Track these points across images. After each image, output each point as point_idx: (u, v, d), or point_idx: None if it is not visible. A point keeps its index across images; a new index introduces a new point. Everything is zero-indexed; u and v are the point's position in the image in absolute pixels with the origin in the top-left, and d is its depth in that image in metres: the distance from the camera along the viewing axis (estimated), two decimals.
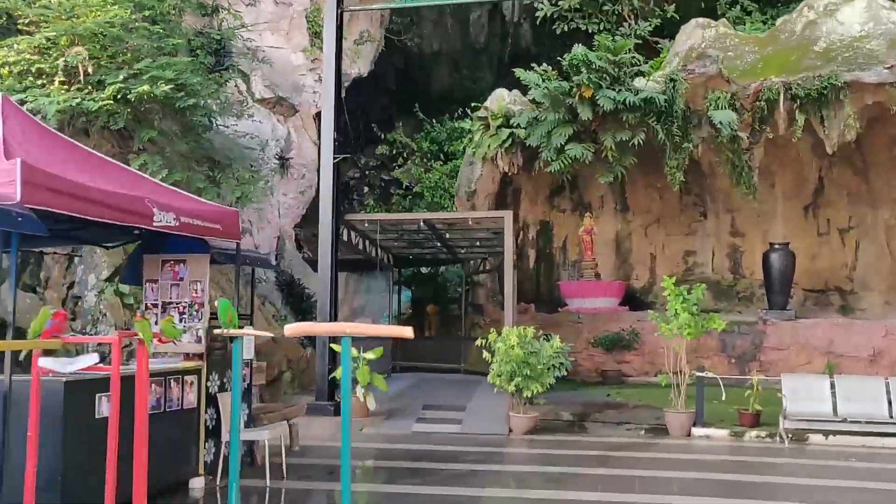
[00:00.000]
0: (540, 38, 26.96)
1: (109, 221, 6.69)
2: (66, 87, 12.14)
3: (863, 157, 19.58)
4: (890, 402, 11.66)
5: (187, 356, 8.64)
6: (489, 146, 19.10)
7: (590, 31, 21.98)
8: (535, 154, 18.71)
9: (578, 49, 17.26)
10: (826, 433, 11.72)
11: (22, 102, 10.92)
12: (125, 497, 6.08)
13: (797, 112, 16.90)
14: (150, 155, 13.07)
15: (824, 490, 8.62)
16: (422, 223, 15.03)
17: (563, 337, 17.10)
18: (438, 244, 18.81)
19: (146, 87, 11.90)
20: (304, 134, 20.61)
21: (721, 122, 16.83)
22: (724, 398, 12.49)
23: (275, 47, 20.36)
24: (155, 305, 8.77)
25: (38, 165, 6.15)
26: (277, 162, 19.55)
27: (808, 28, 17.48)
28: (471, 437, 12.13)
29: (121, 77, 12.06)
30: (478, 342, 12.93)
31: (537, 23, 24.10)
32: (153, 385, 7.63)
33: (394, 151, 27.31)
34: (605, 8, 22.71)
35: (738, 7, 21.83)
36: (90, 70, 12.31)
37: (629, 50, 17.69)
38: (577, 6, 22.71)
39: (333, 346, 13.18)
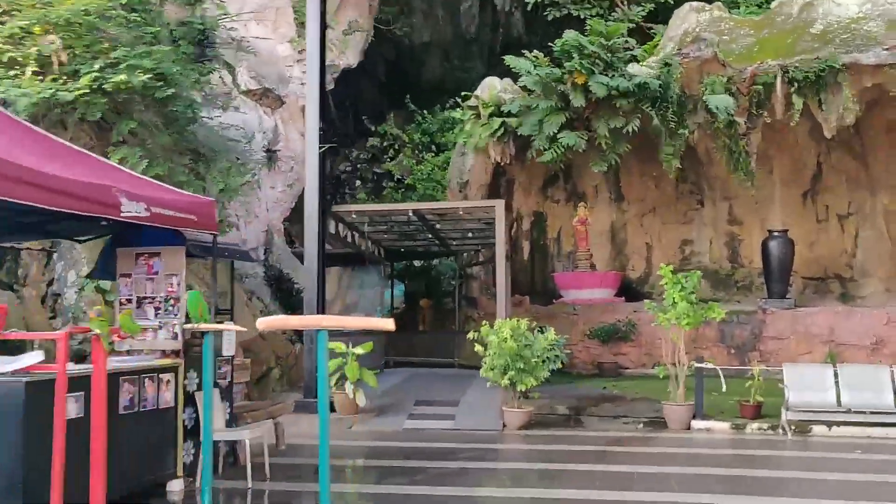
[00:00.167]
0: (532, 27, 26.57)
1: (70, 211, 6.29)
2: (39, 77, 11.71)
3: (861, 142, 19.24)
4: (895, 392, 11.31)
5: (164, 353, 8.25)
6: (480, 136, 18.70)
7: (582, 18, 21.60)
8: (527, 143, 18.32)
9: (570, 34, 16.88)
10: (829, 424, 11.37)
11: None
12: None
13: (794, 96, 16.56)
14: (131, 147, 12.65)
15: (830, 485, 8.28)
16: (411, 213, 14.62)
17: (559, 329, 16.74)
18: (430, 236, 18.43)
19: (123, 77, 11.48)
20: (291, 126, 20.20)
21: (717, 107, 16.46)
22: (724, 390, 12.14)
23: (261, 38, 19.93)
24: (129, 301, 8.38)
25: None
26: (264, 154, 19.14)
27: (804, 10, 17.13)
28: (464, 433, 11.77)
29: (97, 67, 11.63)
30: (470, 335, 12.55)
31: (528, 10, 23.73)
32: (126, 384, 7.25)
33: (385, 144, 26.92)
34: None
35: None
36: (64, 59, 11.88)
37: (622, 34, 17.35)
38: None
39: None
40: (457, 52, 30.08)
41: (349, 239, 15.75)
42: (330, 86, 22.76)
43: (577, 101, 16.81)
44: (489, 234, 16.34)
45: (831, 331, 17.29)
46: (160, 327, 8.26)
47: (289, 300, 18.01)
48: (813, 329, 17.45)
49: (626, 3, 21.98)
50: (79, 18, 11.95)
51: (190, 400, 8.27)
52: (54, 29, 11.99)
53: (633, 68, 17.19)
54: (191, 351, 8.57)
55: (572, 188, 22.29)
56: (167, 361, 7.98)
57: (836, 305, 18.62)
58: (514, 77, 18.51)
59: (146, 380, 7.56)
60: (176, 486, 7.90)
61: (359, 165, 28.75)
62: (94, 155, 7.97)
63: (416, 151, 26.09)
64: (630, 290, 20.61)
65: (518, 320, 12.24)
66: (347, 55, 22.75)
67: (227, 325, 6.96)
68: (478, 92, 19.45)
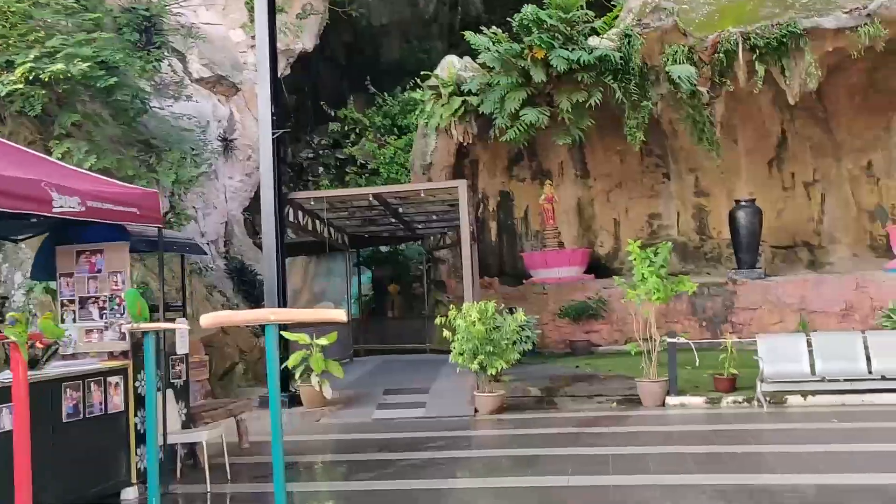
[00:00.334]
0: (491, 4, 26.16)
1: None
2: None
3: (825, 108, 19.13)
4: (868, 358, 11.18)
5: (112, 355, 7.81)
6: (441, 116, 18.33)
7: None
8: (490, 122, 18.00)
9: (529, 8, 16.51)
10: (805, 394, 11.22)
11: None
12: None
13: (757, 63, 16.38)
14: (76, 141, 12.10)
15: (808, 457, 8.08)
16: (371, 198, 14.21)
17: (529, 309, 16.53)
18: (393, 220, 18.02)
19: (60, 66, 10.94)
20: (247, 113, 19.60)
21: (680, 77, 16.23)
22: (697, 364, 11.97)
23: (211, 24, 19.31)
24: (72, 301, 7.91)
25: None
26: (220, 144, 18.58)
27: None
28: (435, 420, 11.45)
29: (31, 56, 11.06)
30: (437, 320, 12.22)
31: None
32: (68, 390, 6.82)
33: (346, 129, 26.39)
34: None
35: None
36: None
37: (581, 7, 17.00)
38: None
39: (284, 333, 12.36)
40: (415, 33, 29.58)
41: (310, 227, 15.30)
42: (286, 71, 22.25)
43: (538, 76, 16.49)
44: (454, 217, 15.99)
45: (802, 299, 17.23)
46: (106, 328, 7.81)
47: (252, 292, 17.55)
48: (784, 298, 17.37)
49: None
50: (11, 6, 11.36)
51: (142, 403, 7.83)
52: None
53: (593, 41, 16.90)
54: (141, 351, 8.15)
55: (537, 166, 21.98)
56: (115, 363, 7.54)
57: (806, 273, 18.57)
58: (475, 55, 18.14)
59: (92, 384, 7.12)
60: (130, 494, 7.50)
61: (321, 152, 28.22)
62: (22, 147, 7.49)
63: (379, 135, 25.60)
64: (599, 267, 20.41)
65: (486, 303, 11.91)
66: (303, 39, 22.16)
67: (170, 324, 6.56)
68: (437, 71, 19.05)
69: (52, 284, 11.28)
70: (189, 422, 8.73)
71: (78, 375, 6.98)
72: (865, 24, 15.39)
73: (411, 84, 23.89)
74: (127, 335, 7.69)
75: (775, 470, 7.57)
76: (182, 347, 8.53)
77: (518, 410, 11.90)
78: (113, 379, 7.41)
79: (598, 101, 16.52)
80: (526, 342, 14.20)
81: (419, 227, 19.57)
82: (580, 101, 16.63)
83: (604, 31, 17.21)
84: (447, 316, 11.99)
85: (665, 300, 12.11)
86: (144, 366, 7.93)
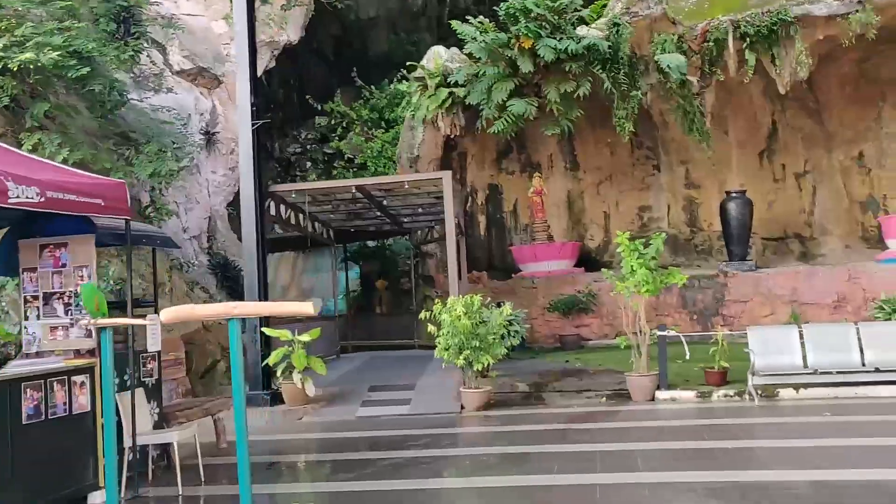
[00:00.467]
0: None
1: None
2: None
3: (816, 99, 18.90)
4: (861, 350, 10.94)
5: (78, 353, 7.50)
6: (428, 108, 18.00)
7: None
8: (477, 114, 17.68)
9: None
10: (797, 387, 10.97)
11: None
12: None
13: (747, 51, 16.12)
14: (48, 133, 11.75)
15: (802, 452, 7.82)
16: (354, 190, 13.88)
17: (519, 303, 16.29)
18: (379, 214, 17.70)
19: (29, 56, 10.59)
20: (230, 106, 19.20)
21: (669, 66, 15.94)
22: (687, 357, 11.68)
23: (193, 15, 18.95)
24: (35, 297, 7.60)
25: None
26: (203, 137, 18.23)
27: None
28: (420, 418, 11.17)
29: (0, 45, 10.70)
30: (422, 315, 11.94)
31: None
32: (28, 390, 6.51)
33: (333, 122, 26.05)
34: None
35: None
36: None
37: None
38: None
39: (265, 329, 12.08)
40: (404, 26, 29.24)
41: (293, 221, 14.97)
42: (271, 63, 21.91)
43: (525, 66, 16.18)
44: (441, 210, 15.70)
45: (794, 291, 17.01)
46: (72, 325, 7.50)
47: (236, 287, 17.19)
48: (775, 290, 17.15)
49: None
50: None
51: None
52: None
53: (581, 30, 16.59)
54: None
55: (526, 159, 21.69)
56: (80, 362, 7.23)
57: (797, 265, 18.34)
58: (463, 47, 17.81)
59: (55, 384, 6.81)
60: (98, 498, 7.19)
61: (308, 147, 27.91)
62: None
63: (366, 129, 25.26)
64: (589, 261, 20.13)
65: (471, 297, 11.63)
66: (288, 31, 21.80)
67: (132, 319, 6.25)
68: (423, 62, 18.74)
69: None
70: (162, 421, 8.43)
71: (39, 375, 6.68)
72: (857, 10, 15.13)
73: (399, 77, 23.58)
74: (93, 332, 7.37)
75: (768, 466, 7.32)
76: (154, 345, 8.24)
77: (505, 406, 11.64)
78: (78, 378, 7.10)
79: (586, 92, 16.21)
80: (514, 337, 13.95)
81: (406, 220, 19.28)
82: (568, 91, 16.32)
83: (592, 20, 16.91)
84: (432, 310, 11.73)
85: (655, 292, 11.86)
86: (116, 364, 7.66)
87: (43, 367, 6.86)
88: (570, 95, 16.41)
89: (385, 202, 16.14)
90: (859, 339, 11.03)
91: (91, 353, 7.49)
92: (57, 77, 12.09)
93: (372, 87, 25.69)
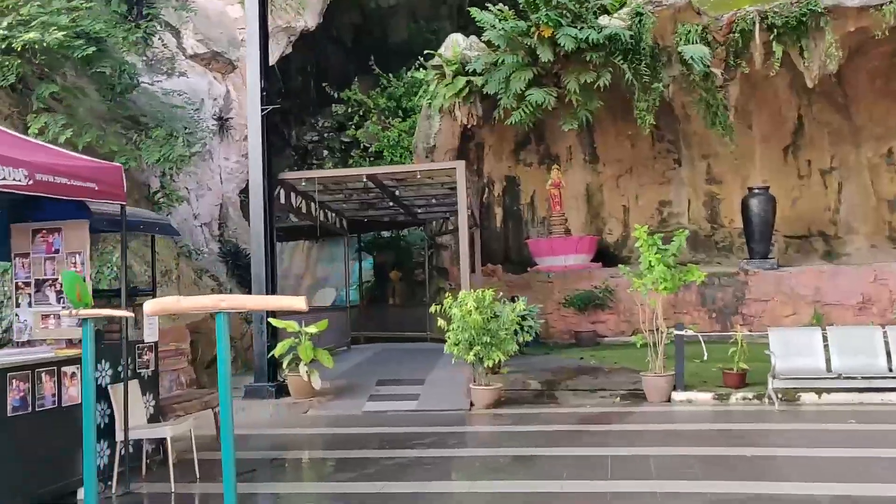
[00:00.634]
0: None
1: None
2: None
3: (844, 93, 18.34)
4: (888, 354, 10.49)
5: (71, 342, 7.24)
6: (444, 96, 17.63)
7: None
8: (495, 104, 17.29)
9: None
10: (819, 391, 10.55)
11: None
12: None
13: (774, 43, 15.64)
14: (53, 115, 11.52)
15: (826, 462, 7.42)
16: (365, 178, 13.55)
17: (534, 298, 15.93)
18: (392, 204, 17.37)
19: (34, 35, 10.33)
20: (244, 92, 18.82)
21: (693, 58, 15.49)
22: (705, 357, 11.27)
23: None
24: (27, 284, 7.34)
25: None
26: (215, 123, 17.99)
27: None
28: (427, 414, 10.86)
29: (5, 24, 10.46)
30: (432, 309, 11.60)
31: None
32: (14, 381, 6.25)
33: (349, 110, 25.73)
34: None
35: None
36: None
37: None
38: None
39: (272, 320, 11.83)
40: (424, 13, 28.85)
41: (304, 209, 14.67)
42: (287, 50, 21.65)
43: (545, 55, 15.78)
44: (456, 201, 15.36)
45: (817, 290, 16.53)
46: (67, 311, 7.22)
47: (246, 276, 16.90)
48: (798, 289, 16.68)
49: None
50: None
51: (103, 394, 7.27)
52: None
53: (603, 20, 16.16)
54: (103, 339, 7.59)
55: (545, 150, 21.28)
56: (71, 352, 6.95)
57: (821, 264, 17.83)
58: (482, 33, 17.41)
59: (43, 374, 6.55)
60: None
61: (325, 135, 27.65)
62: None
63: (383, 117, 24.92)
64: (607, 255, 19.73)
65: (483, 291, 11.28)
66: (305, 17, 21.54)
67: (116, 311, 5.97)
68: (441, 50, 18.36)
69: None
70: (158, 414, 8.16)
71: (26, 365, 6.41)
72: (891, 1, 14.59)
73: (417, 65, 23.23)
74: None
75: (788, 477, 6.93)
76: (151, 335, 7.97)
77: (516, 404, 11.30)
78: (68, 369, 6.83)
79: (607, 83, 15.79)
80: (528, 332, 13.58)
81: (420, 211, 18.94)
82: (588, 81, 15.90)
83: (614, 9, 16.45)
84: (442, 304, 11.40)
85: (673, 290, 11.46)
86: (109, 354, 7.40)
87: (30, 356, 6.59)
88: (590, 86, 15.99)
89: (398, 192, 15.80)
90: (886, 344, 10.56)
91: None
92: (64, 58, 11.85)
93: (390, 75, 25.35)
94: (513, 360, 12.89)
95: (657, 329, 11.31)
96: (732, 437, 8.64)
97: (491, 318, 11.18)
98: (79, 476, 6.90)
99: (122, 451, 7.21)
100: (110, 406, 7.30)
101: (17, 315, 7.39)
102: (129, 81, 14.42)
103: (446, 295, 11.71)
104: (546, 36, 15.68)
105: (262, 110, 11.90)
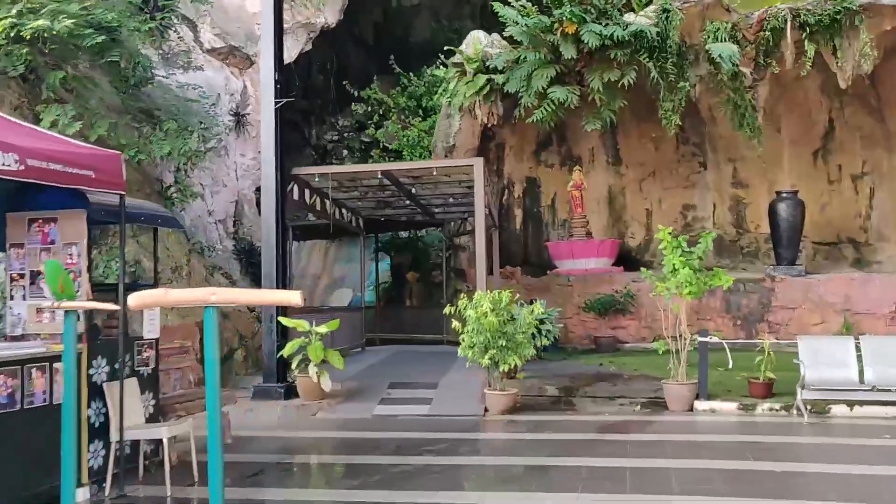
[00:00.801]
0: None
1: None
2: None
3: (877, 95, 17.75)
4: None
5: None
6: (465, 95, 17.22)
7: None
8: (516, 103, 16.88)
9: None
10: (851, 404, 10.07)
11: None
12: None
13: (806, 42, 15.11)
14: (62, 106, 11.26)
15: (860, 482, 6.97)
16: (380, 175, 13.20)
17: (553, 301, 15.52)
18: (409, 203, 17.01)
19: (42, 23, 10.07)
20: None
21: (721, 56, 14.99)
22: (730, 365, 10.82)
23: None
24: (22, 276, 7.04)
25: None
26: (232, 118, 17.75)
27: None
28: (440, 419, 10.48)
29: (13, 11, 10.22)
30: (446, 310, 11.23)
31: None
32: (2, 377, 5.95)
33: (370, 109, 25.43)
34: None
35: None
36: None
37: None
38: None
39: (282, 319, 11.50)
40: (447, 13, 28.53)
41: (318, 207, 14.35)
42: (307, 46, 21.41)
43: (568, 52, 15.35)
44: (474, 201, 14.98)
45: (846, 299, 15.97)
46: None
47: (260, 274, 16.67)
48: (826, 297, 16.13)
49: None
50: None
51: (98, 393, 6.97)
52: None
53: (629, 16, 15.71)
54: (99, 334, 7.30)
55: (567, 151, 20.84)
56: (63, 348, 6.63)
57: (851, 271, 17.25)
58: (507, 36, 17.02)
59: (33, 370, 6.25)
60: (80, 496, 6.58)
61: (345, 134, 27.39)
62: None
63: (403, 117, 24.59)
64: (629, 259, 19.23)
65: (500, 292, 10.90)
66: (325, 13, 21.28)
67: (101, 304, 5.65)
68: (462, 47, 17.99)
69: None
70: (158, 414, 7.85)
71: (15, 360, 6.11)
72: None
73: (438, 63, 22.89)
74: (81, 316, 6.79)
75: (821, 495, 6.46)
76: (151, 331, 7.67)
77: (532, 411, 10.90)
78: (61, 365, 6.52)
79: (631, 81, 15.32)
80: (546, 336, 13.16)
81: (438, 211, 18.56)
82: (612, 80, 15.44)
83: (639, 6, 15.96)
84: (457, 305, 11.02)
85: (697, 295, 11.02)
86: (106, 351, 7.10)
87: (19, 351, 6.29)
88: (614, 84, 15.54)
89: (414, 190, 15.43)
90: None
91: (79, 337, 6.91)
92: (76, 48, 11.61)
93: (410, 74, 25.03)
94: (530, 365, 12.52)
95: (680, 335, 10.88)
96: (759, 450, 8.17)
97: (507, 320, 10.80)
98: (74, 476, 6.60)
99: (117, 453, 6.90)
100: (105, 405, 6.98)
101: (10, 308, 7.10)
102: (144, 74, 14.19)
103: (461, 296, 11.31)
104: (570, 32, 15.26)
105: (276, 103, 11.61)
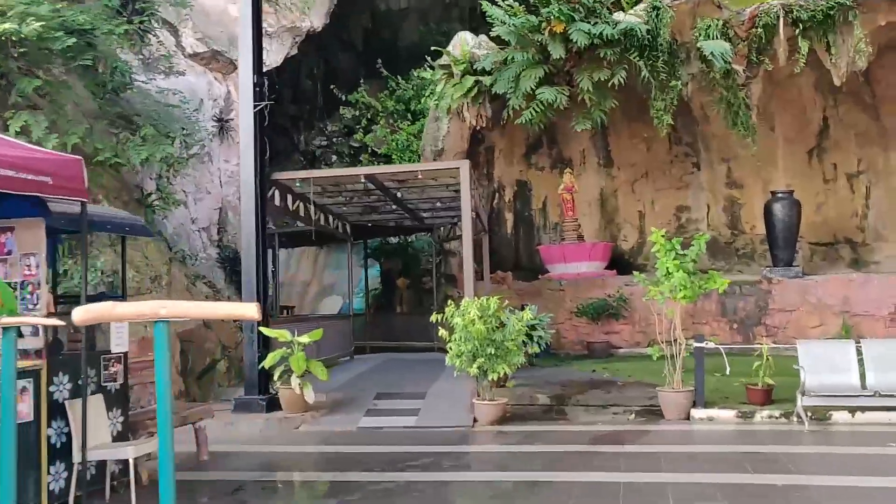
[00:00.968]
0: None
1: None
2: None
3: (872, 92, 17.47)
4: None
5: (23, 353, 6.53)
6: (452, 97, 16.88)
7: None
8: (504, 104, 16.53)
9: None
10: (853, 410, 9.71)
11: None
12: None
13: (799, 38, 14.80)
14: (34, 113, 10.87)
15: (865, 494, 6.60)
16: (363, 178, 12.82)
17: (544, 306, 15.17)
18: (395, 208, 16.63)
19: (9, 26, 9.69)
20: None
21: (713, 54, 14.67)
22: (727, 372, 10.43)
23: None
24: None
25: None
26: (216, 124, 17.37)
27: None
28: (427, 431, 10.11)
29: None
30: (432, 318, 10.86)
31: None
32: None
33: (358, 114, 25.07)
34: None
35: None
36: None
37: None
38: None
39: (264, 329, 11.11)
40: (436, 16, 28.25)
41: (302, 213, 13.97)
42: (293, 51, 21.06)
43: (557, 51, 15.02)
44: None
45: (845, 300, 15.64)
46: None
47: None
48: (825, 299, 15.80)
49: None
50: None
51: (59, 411, 6.57)
52: None
53: (618, 15, 15.37)
54: (63, 349, 6.91)
55: (557, 154, 20.52)
56: (23, 364, 6.24)
57: (849, 272, 16.91)
58: (495, 37, 16.67)
59: None
60: None
61: (334, 139, 27.04)
62: None
63: (391, 121, 24.24)
64: (622, 263, 18.88)
65: (488, 298, 10.53)
66: (311, 17, 20.92)
67: (41, 319, 5.27)
68: (449, 48, 17.65)
69: None
70: (127, 432, 7.46)
71: None
72: None
73: (425, 66, 22.55)
74: (40, 331, 6.42)
75: None
76: (119, 345, 7.28)
77: (522, 421, 10.53)
78: (19, 383, 6.12)
79: (622, 80, 14.98)
80: (538, 343, 12.80)
81: (426, 215, 18.20)
82: (602, 79, 15.11)
83: (629, 4, 15.62)
84: (444, 312, 10.65)
85: (692, 298, 10.66)
86: (68, 367, 6.72)
87: None
88: (604, 84, 15.20)
89: (400, 194, 15.06)
90: None
91: (38, 353, 6.53)
92: (49, 52, 11.23)
93: (398, 77, 24.69)
94: (521, 373, 12.16)
95: (675, 340, 10.53)
96: (759, 461, 7.81)
97: (496, 327, 10.44)
98: (29, 501, 6.23)
99: (77, 473, 6.51)
100: (68, 424, 6.59)
101: None
102: (122, 79, 13.83)
103: (449, 303, 10.94)
104: (558, 31, 14.93)
105: (255, 107, 11.23)
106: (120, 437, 7.30)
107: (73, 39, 10.56)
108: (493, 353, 10.24)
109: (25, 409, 6.19)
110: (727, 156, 18.65)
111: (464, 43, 17.48)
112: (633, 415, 10.61)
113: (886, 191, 17.80)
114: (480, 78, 16.55)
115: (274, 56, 19.83)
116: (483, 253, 17.48)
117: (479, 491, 7.27)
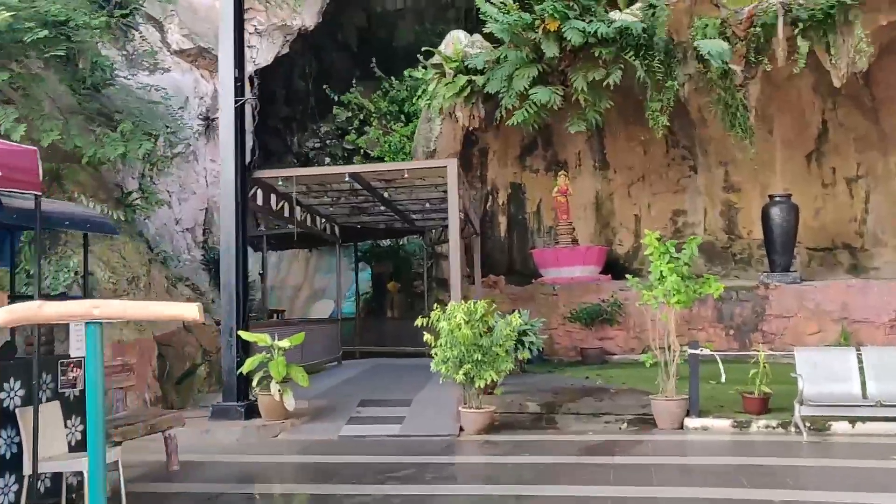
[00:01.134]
0: None
1: None
2: None
3: (871, 95, 17.15)
4: None
5: None
6: (445, 97, 16.49)
7: None
8: (497, 105, 16.16)
9: None
10: (853, 420, 9.33)
11: None
12: None
13: (799, 38, 14.46)
14: (3, 107, 10.47)
15: None
16: (347, 177, 12.41)
17: (537, 311, 14.77)
18: (384, 209, 16.23)
19: None
20: None
21: (710, 54, 14.32)
22: (723, 379, 10.03)
23: None
24: None
25: None
26: (202, 123, 16.98)
27: None
28: (410, 440, 9.70)
29: None
30: (417, 322, 10.47)
31: None
32: None
33: (351, 115, 24.70)
34: None
35: None
36: None
37: None
38: None
39: (242, 333, 10.72)
40: (431, 16, 27.95)
41: (286, 213, 13.57)
42: (284, 49, 20.69)
43: (550, 50, 14.64)
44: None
45: (844, 307, 15.28)
46: None
47: None
48: (823, 305, 15.43)
49: None
50: None
51: (9, 419, 6.17)
52: None
53: (613, 13, 15.01)
54: (10, 354, 6.51)
55: (552, 156, 20.19)
56: None
57: (848, 278, 16.56)
58: (489, 35, 16.31)
59: None
60: None
61: (327, 141, 26.69)
62: None
63: (384, 122, 23.86)
64: (617, 267, 18.53)
65: (475, 303, 10.14)
66: (302, 15, 20.54)
67: None
68: (441, 47, 17.29)
69: None
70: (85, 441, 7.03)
71: None
72: None
73: (419, 66, 22.19)
74: None
75: None
76: (79, 349, 6.87)
77: (511, 430, 10.14)
78: None
79: (617, 80, 14.61)
80: (529, 348, 12.40)
81: (417, 217, 17.80)
82: (597, 79, 14.74)
83: (625, 2, 15.27)
84: (429, 317, 10.26)
85: (687, 304, 10.28)
86: (20, 373, 6.31)
87: None
88: (599, 84, 14.83)
89: (387, 195, 14.67)
90: None
91: None
92: (23, 44, 10.83)
93: (392, 78, 24.32)
94: (512, 379, 11.80)
95: (669, 347, 10.15)
96: (755, 474, 7.41)
97: (484, 332, 10.05)
98: None
99: (26, 486, 6.10)
100: (19, 433, 6.18)
101: None
102: (103, 75, 13.45)
103: (434, 307, 10.55)
104: (552, 30, 14.55)
105: (236, 102, 10.86)
106: (80, 447, 6.88)
107: (45, 32, 10.16)
108: (480, 358, 9.85)
109: None
110: (725, 159, 18.31)
111: (456, 42, 17.14)
112: (626, 424, 10.22)
113: (886, 196, 17.46)
114: (473, 77, 16.18)
115: (264, 55, 19.46)
116: (474, 256, 17.10)
117: None
